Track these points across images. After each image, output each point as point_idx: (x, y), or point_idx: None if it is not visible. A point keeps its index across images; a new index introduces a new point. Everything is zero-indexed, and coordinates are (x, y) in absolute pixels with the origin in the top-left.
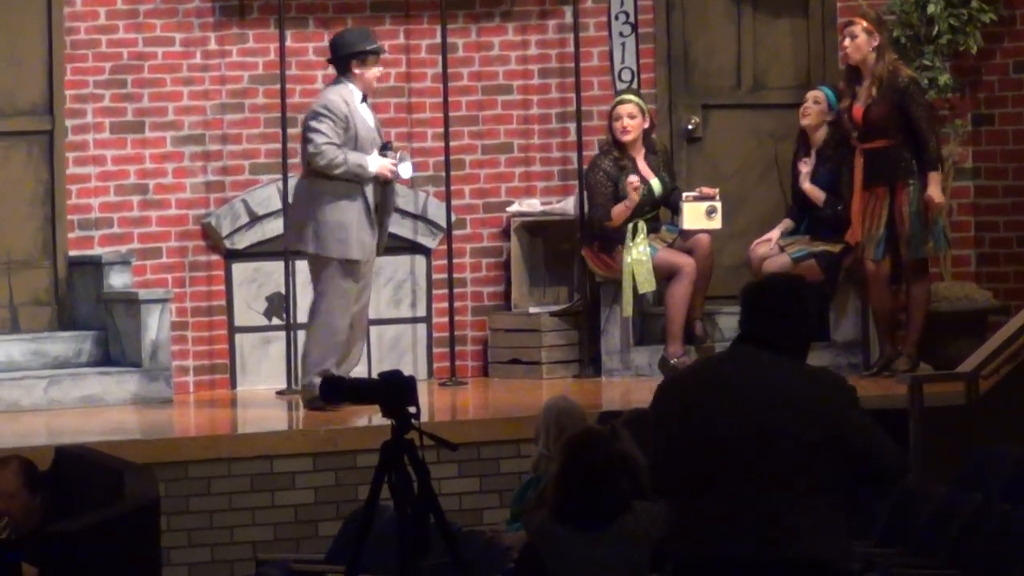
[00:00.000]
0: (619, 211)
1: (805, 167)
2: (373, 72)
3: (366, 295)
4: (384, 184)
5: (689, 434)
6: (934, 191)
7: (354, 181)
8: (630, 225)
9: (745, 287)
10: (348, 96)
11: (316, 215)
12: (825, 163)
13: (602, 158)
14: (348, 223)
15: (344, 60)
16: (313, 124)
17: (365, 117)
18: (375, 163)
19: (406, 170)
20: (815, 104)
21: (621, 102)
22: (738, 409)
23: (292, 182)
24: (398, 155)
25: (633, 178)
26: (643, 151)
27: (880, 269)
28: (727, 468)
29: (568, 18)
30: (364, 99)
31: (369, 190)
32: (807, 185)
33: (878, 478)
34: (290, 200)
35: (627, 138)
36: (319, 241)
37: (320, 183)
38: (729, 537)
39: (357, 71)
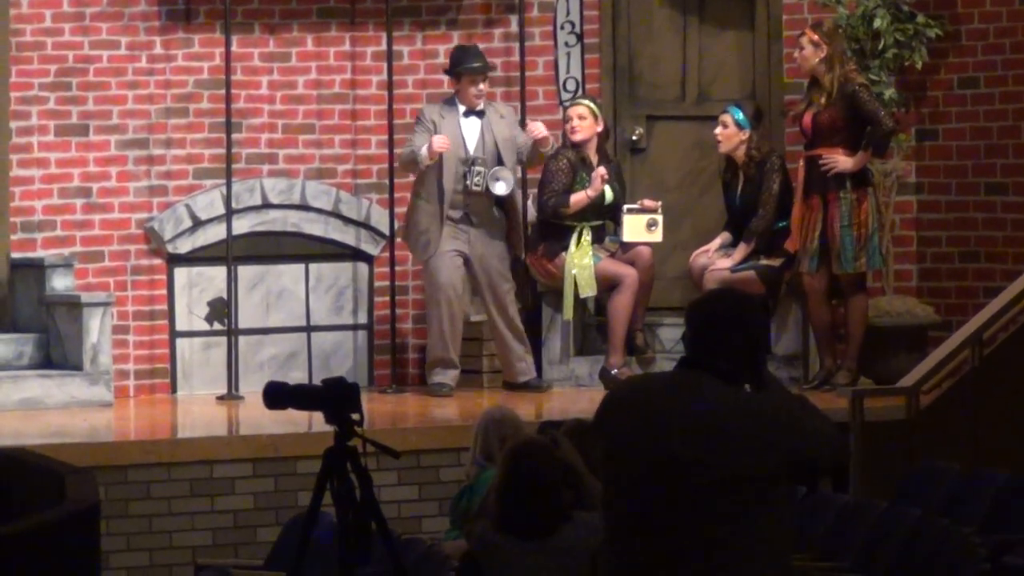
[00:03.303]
0: (579, 199)
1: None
2: (469, 90)
3: (491, 299)
4: (468, 195)
5: (630, 459)
6: (847, 159)
7: (435, 188)
8: (575, 232)
9: (689, 304)
10: (448, 109)
11: (407, 219)
12: (750, 181)
13: (565, 149)
14: (419, 223)
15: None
16: None
17: (459, 130)
18: (427, 145)
19: (499, 188)
20: (723, 129)
21: (572, 104)
22: (683, 444)
23: (236, 187)
24: (488, 172)
25: (601, 169)
26: (597, 158)
27: (817, 282)
28: (668, 498)
29: (514, 27)
30: (471, 113)
31: (447, 197)
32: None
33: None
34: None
35: (576, 137)
36: (407, 242)
37: (413, 188)
38: (666, 565)
39: (454, 88)
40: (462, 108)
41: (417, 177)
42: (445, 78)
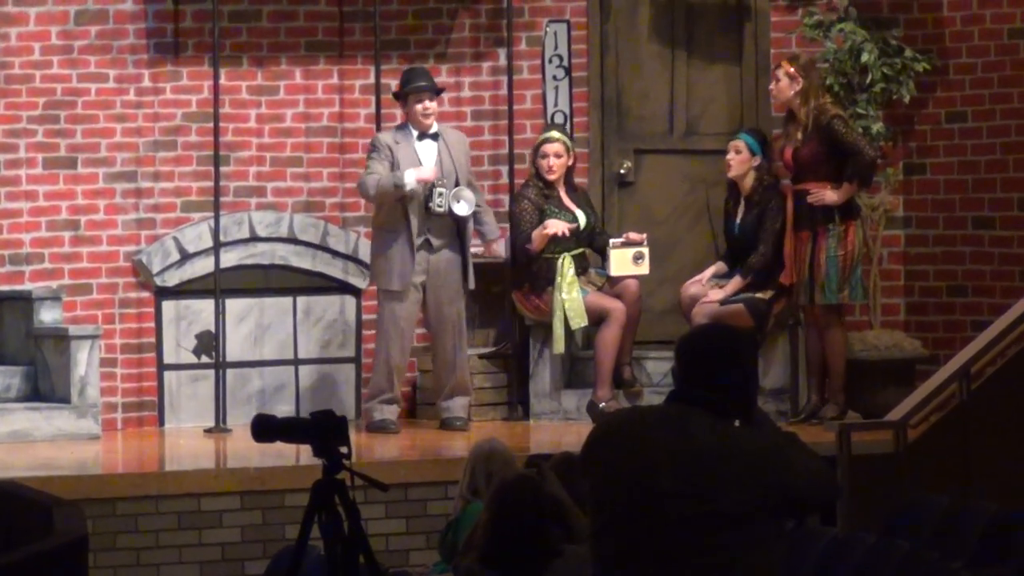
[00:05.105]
0: (538, 235)
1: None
2: (416, 108)
3: (440, 326)
4: (429, 218)
5: (617, 492)
6: (831, 192)
7: (401, 217)
8: (559, 261)
9: (680, 338)
10: (402, 134)
11: (372, 250)
12: (751, 210)
13: (528, 188)
14: (391, 255)
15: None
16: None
17: (414, 154)
18: (412, 175)
19: (462, 208)
20: (736, 154)
21: (548, 140)
22: (671, 478)
23: (224, 220)
24: (450, 193)
25: (564, 228)
26: (565, 187)
27: (812, 315)
28: (655, 532)
29: (502, 60)
30: (425, 136)
31: (413, 224)
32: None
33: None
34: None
35: (552, 177)
36: (372, 273)
37: (377, 219)
38: None
39: (403, 110)
40: (415, 132)
41: (376, 206)
42: None
